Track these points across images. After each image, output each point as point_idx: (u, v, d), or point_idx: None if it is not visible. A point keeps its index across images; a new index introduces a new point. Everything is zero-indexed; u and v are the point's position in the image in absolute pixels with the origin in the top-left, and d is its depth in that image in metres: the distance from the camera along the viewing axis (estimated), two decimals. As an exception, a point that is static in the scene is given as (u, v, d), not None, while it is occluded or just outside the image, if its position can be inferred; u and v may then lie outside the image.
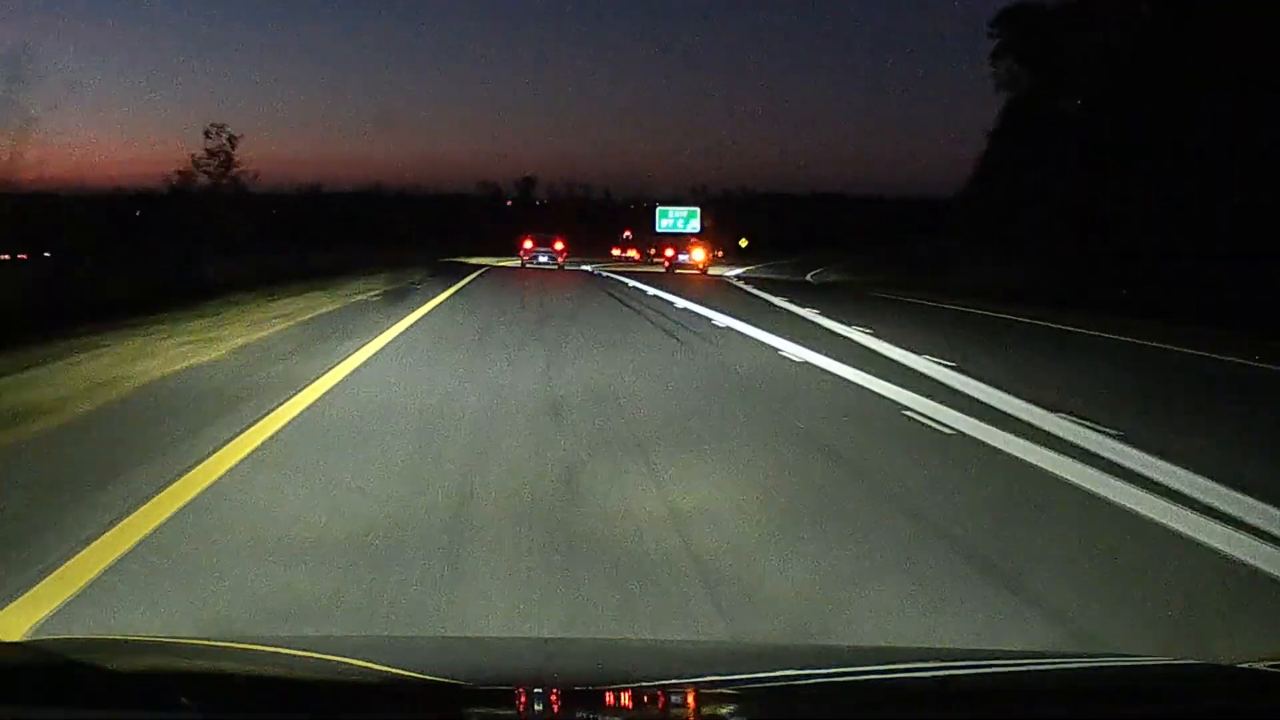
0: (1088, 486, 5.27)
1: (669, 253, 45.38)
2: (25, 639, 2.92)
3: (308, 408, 6.78)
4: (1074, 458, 5.90)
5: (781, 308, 19.31)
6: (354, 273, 25.58)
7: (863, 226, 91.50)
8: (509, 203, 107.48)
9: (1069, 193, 31.68)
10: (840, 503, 4.89)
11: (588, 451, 5.78)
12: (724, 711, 1.52)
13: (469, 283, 25.15)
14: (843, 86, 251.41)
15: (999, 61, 39.73)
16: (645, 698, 1.55)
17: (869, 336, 12.97)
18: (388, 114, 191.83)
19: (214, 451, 5.33)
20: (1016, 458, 5.95)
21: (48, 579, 3.49)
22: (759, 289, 27.39)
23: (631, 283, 28.32)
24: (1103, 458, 5.90)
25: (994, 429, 6.71)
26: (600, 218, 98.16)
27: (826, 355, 10.69)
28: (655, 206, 62.69)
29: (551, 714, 1.42)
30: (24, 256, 27.21)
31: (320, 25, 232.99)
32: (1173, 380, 11.12)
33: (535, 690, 1.51)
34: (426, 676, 1.63)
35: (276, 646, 2.03)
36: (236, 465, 5.13)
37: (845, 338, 13.12)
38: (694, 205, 61.77)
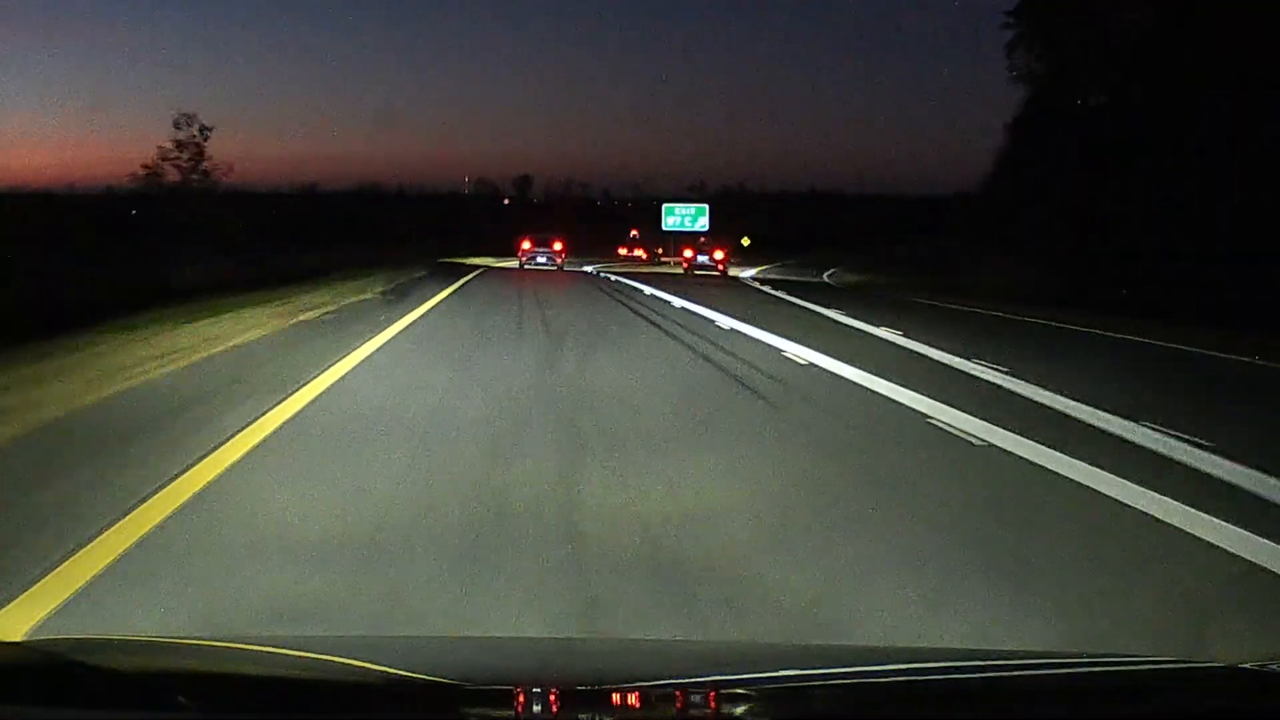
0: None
1: (688, 254, 42.65)
2: (26, 639, 2.92)
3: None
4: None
5: (856, 327, 15.42)
6: (334, 277, 22.90)
7: (862, 226, 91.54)
8: (506, 201, 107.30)
9: (1068, 191, 31.54)
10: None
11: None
12: (725, 711, 1.52)
13: (461, 287, 22.77)
14: (841, 86, 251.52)
15: (1015, 54, 38.37)
16: (645, 698, 1.55)
17: (1007, 378, 9.69)
18: (386, 113, 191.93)
19: None
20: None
21: None
22: (795, 296, 24.30)
23: (648, 289, 24.44)
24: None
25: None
26: (599, 217, 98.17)
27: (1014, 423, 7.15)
28: (661, 204, 59.89)
29: (551, 714, 1.42)
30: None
31: (315, 24, 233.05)
32: (1256, 391, 10.93)
33: (535, 690, 1.51)
34: (426, 676, 1.63)
35: (276, 647, 2.03)
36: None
37: (974, 378, 9.87)
38: (700, 202, 58.51)
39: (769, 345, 12.22)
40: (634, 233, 69.00)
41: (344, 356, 9.59)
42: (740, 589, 3.74)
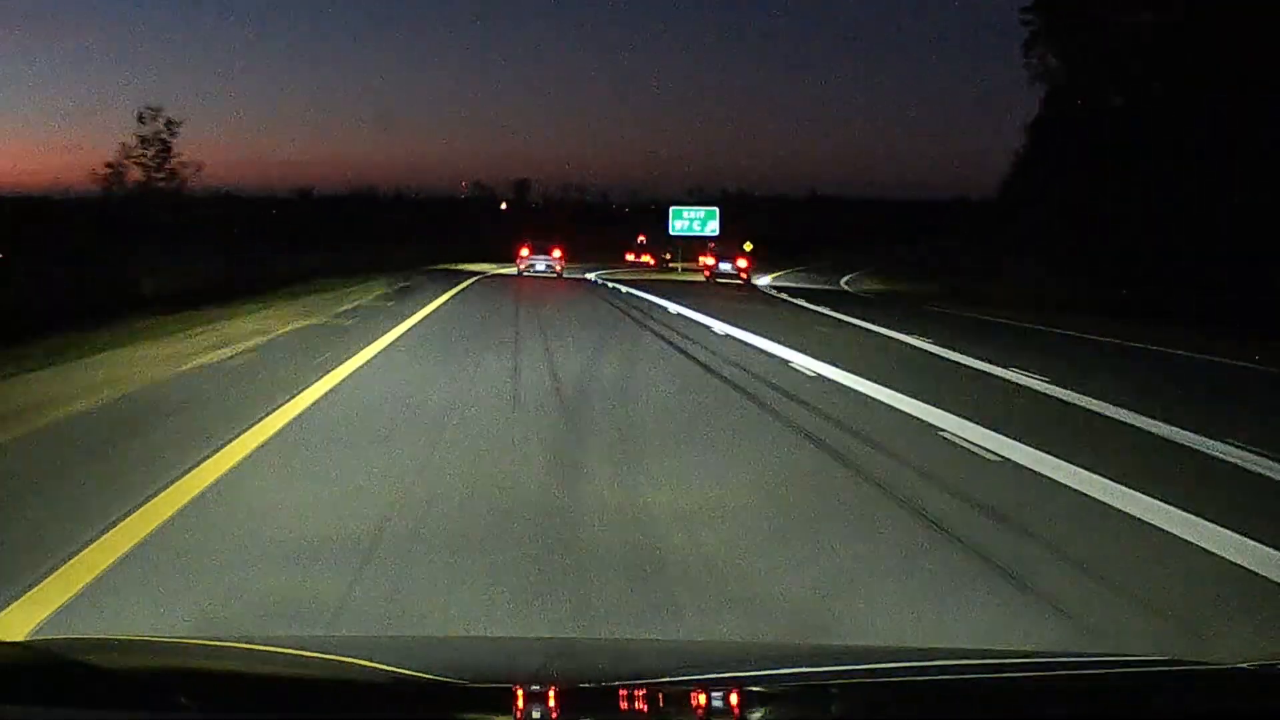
0: None
1: (709, 261, 39.89)
2: (27, 639, 2.92)
3: None
4: None
5: (953, 360, 12.34)
6: (299, 290, 20.44)
7: (861, 228, 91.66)
8: (503, 206, 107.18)
9: (1084, 192, 31.17)
10: None
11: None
12: (725, 711, 1.52)
13: (448, 302, 19.52)
14: (841, 90, 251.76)
15: (1032, 51, 36.74)
16: (645, 697, 1.55)
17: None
18: (384, 115, 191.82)
19: None
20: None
21: None
22: (841, 312, 21.03)
23: (672, 305, 20.29)
24: None
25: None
26: (598, 221, 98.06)
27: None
28: (666, 207, 57.55)
29: (551, 714, 1.42)
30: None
31: (312, 26, 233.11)
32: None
33: (535, 690, 1.51)
34: (426, 676, 1.63)
35: (276, 646, 2.03)
36: None
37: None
38: (709, 205, 53.85)
39: (925, 423, 7.57)
40: (641, 238, 66.82)
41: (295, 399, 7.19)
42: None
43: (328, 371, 8.94)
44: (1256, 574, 4.21)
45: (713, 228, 50.17)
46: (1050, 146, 33.77)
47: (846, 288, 40.29)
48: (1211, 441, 7.06)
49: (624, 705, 1.50)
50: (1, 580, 3.56)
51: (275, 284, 21.64)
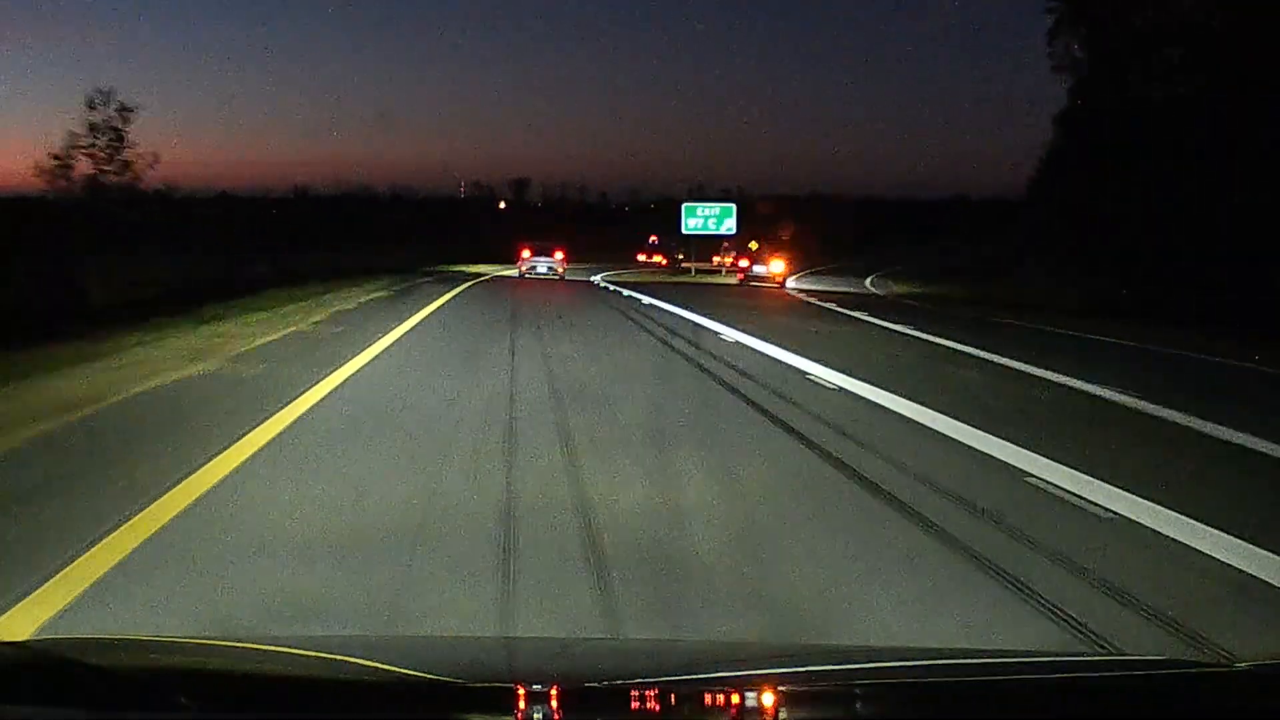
0: None
1: (743, 264, 37.54)
2: (27, 639, 2.92)
3: None
4: None
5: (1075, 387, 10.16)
6: (265, 298, 18.17)
7: (861, 228, 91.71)
8: (502, 205, 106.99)
9: (1068, 191, 31.04)
10: None
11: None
12: (725, 710, 1.52)
13: (439, 310, 17.56)
14: (839, 88, 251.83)
15: (1056, 41, 35.13)
16: (646, 697, 1.55)
17: None
18: (384, 116, 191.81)
19: None
20: None
21: None
22: (906, 325, 17.77)
23: (710, 322, 16.24)
24: None
25: None
26: (599, 221, 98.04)
27: None
28: (671, 205, 54.47)
29: (553, 714, 1.42)
30: None
31: (309, 25, 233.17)
32: None
33: (536, 690, 1.51)
34: (427, 676, 1.63)
35: (276, 646, 2.03)
36: None
37: None
38: (724, 202, 49.00)
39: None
40: (653, 238, 65.28)
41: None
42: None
43: (254, 426, 6.47)
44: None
45: (729, 226, 46.56)
46: (1071, 142, 32.96)
47: (876, 290, 37.87)
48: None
49: (625, 705, 1.50)
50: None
51: (256, 287, 20.25)
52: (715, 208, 47.48)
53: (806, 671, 1.87)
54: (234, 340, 11.42)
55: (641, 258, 63.18)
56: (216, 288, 19.90)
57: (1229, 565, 4.34)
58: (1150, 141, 27.29)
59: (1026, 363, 11.91)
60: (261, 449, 6.00)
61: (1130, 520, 4.98)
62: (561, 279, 33.41)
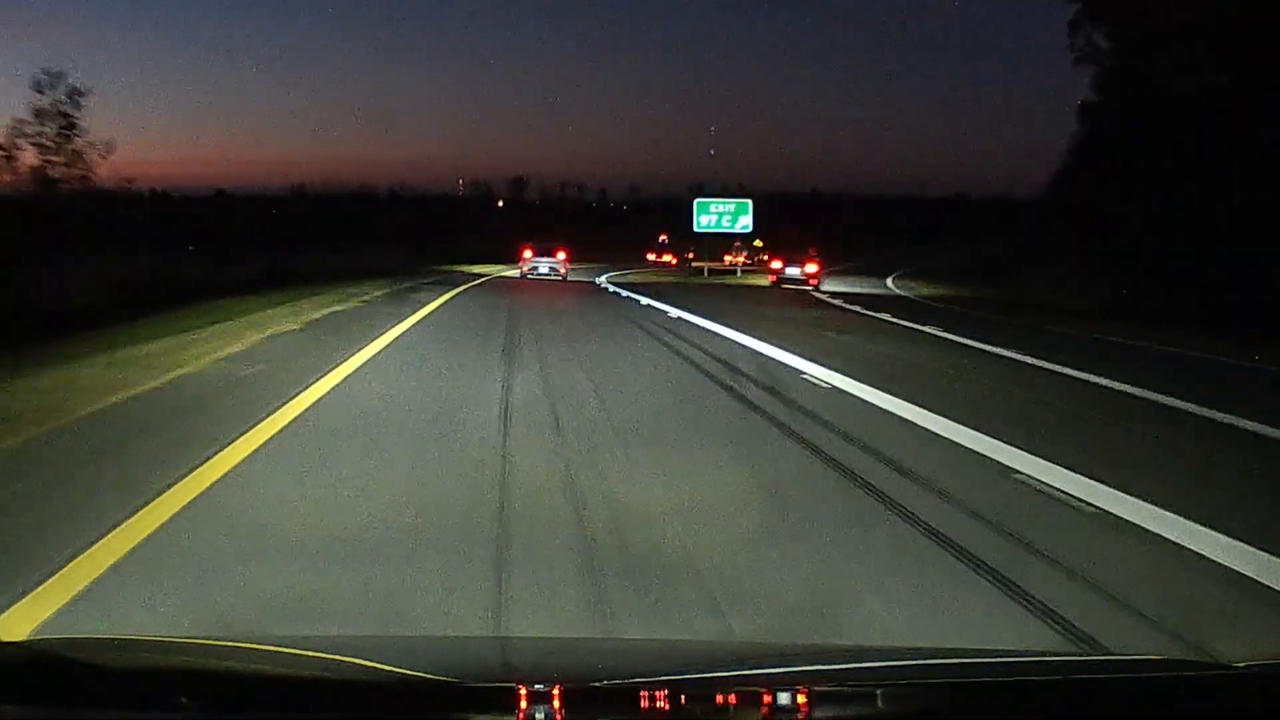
0: None
1: (776, 265, 35.56)
2: (27, 638, 2.92)
3: None
4: None
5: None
6: (270, 295, 18.00)
7: (861, 226, 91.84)
8: (500, 203, 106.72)
9: (1090, 188, 30.24)
10: None
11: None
12: (726, 710, 1.52)
13: (425, 320, 15.30)
14: (838, 86, 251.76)
15: (1078, 31, 33.83)
16: (647, 697, 1.55)
17: None
18: (384, 116, 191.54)
19: None
20: None
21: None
22: (964, 335, 16.08)
23: (755, 344, 12.97)
24: None
25: None
26: (599, 220, 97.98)
27: None
28: (666, 203, 52.48)
29: (555, 714, 1.42)
30: None
31: (307, 23, 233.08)
32: None
33: (536, 689, 1.51)
34: (426, 676, 1.63)
35: (276, 646, 2.03)
36: None
37: None
38: (741, 197, 44.46)
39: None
40: (663, 237, 64.50)
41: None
42: None
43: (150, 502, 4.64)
44: None
45: (745, 224, 42.37)
46: (1093, 137, 32.14)
47: (905, 292, 35.56)
48: None
49: (626, 705, 1.50)
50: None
51: (222, 292, 18.63)
52: (730, 203, 43.16)
53: (807, 671, 1.88)
54: (81, 397, 7.56)
55: (651, 257, 62.21)
56: (180, 292, 18.42)
57: None
58: (1180, 136, 26.16)
59: (1227, 411, 8.78)
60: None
61: None
62: (564, 280, 33.02)
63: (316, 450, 6.06)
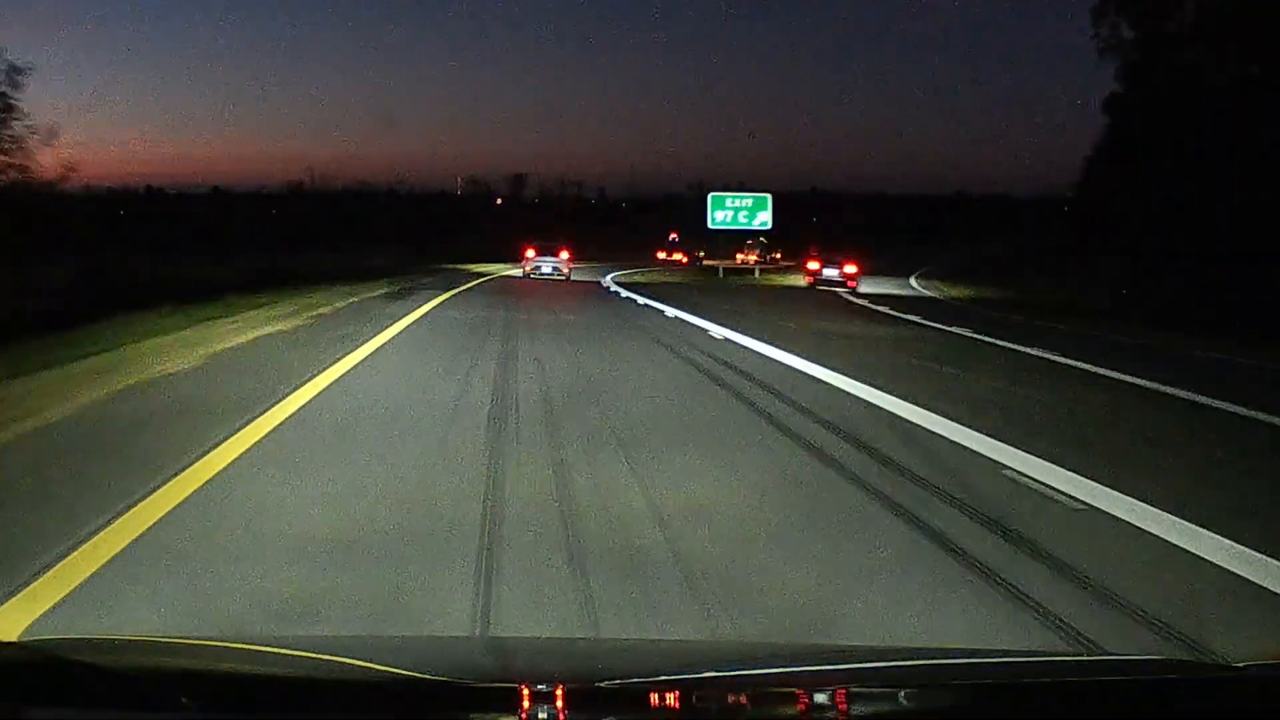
0: None
1: (812, 266, 34.20)
2: (26, 638, 2.92)
3: None
4: None
5: None
6: (241, 300, 16.14)
7: (861, 226, 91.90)
8: (499, 201, 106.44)
9: (1120, 185, 29.30)
10: None
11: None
12: (727, 710, 1.53)
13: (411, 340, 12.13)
14: (837, 84, 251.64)
15: (1102, 21, 32.74)
16: (649, 696, 1.55)
17: None
18: (385, 115, 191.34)
19: None
20: None
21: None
22: (1056, 353, 13.53)
23: (833, 377, 9.97)
24: None
25: None
26: (599, 220, 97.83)
27: None
28: (666, 201, 50.85)
29: (553, 713, 1.42)
30: None
31: (304, 22, 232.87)
32: None
33: (536, 689, 1.51)
34: (428, 676, 1.63)
35: (276, 647, 2.03)
36: None
37: None
38: (758, 192, 41.06)
39: None
40: (673, 236, 64.30)
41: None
42: None
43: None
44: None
45: (763, 220, 39.58)
46: (1121, 131, 31.49)
47: (933, 294, 34.19)
48: None
49: (629, 705, 1.50)
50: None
51: (206, 293, 16.69)
52: (748, 198, 40.20)
53: (808, 671, 1.88)
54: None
55: (661, 255, 61.80)
56: (122, 299, 15.97)
57: None
58: (1213, 129, 25.12)
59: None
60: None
61: None
62: (568, 279, 32.76)
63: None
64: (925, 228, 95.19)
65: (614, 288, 29.57)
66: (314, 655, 1.80)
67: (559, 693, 1.48)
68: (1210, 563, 4.44)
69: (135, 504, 4.62)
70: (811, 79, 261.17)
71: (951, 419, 7.68)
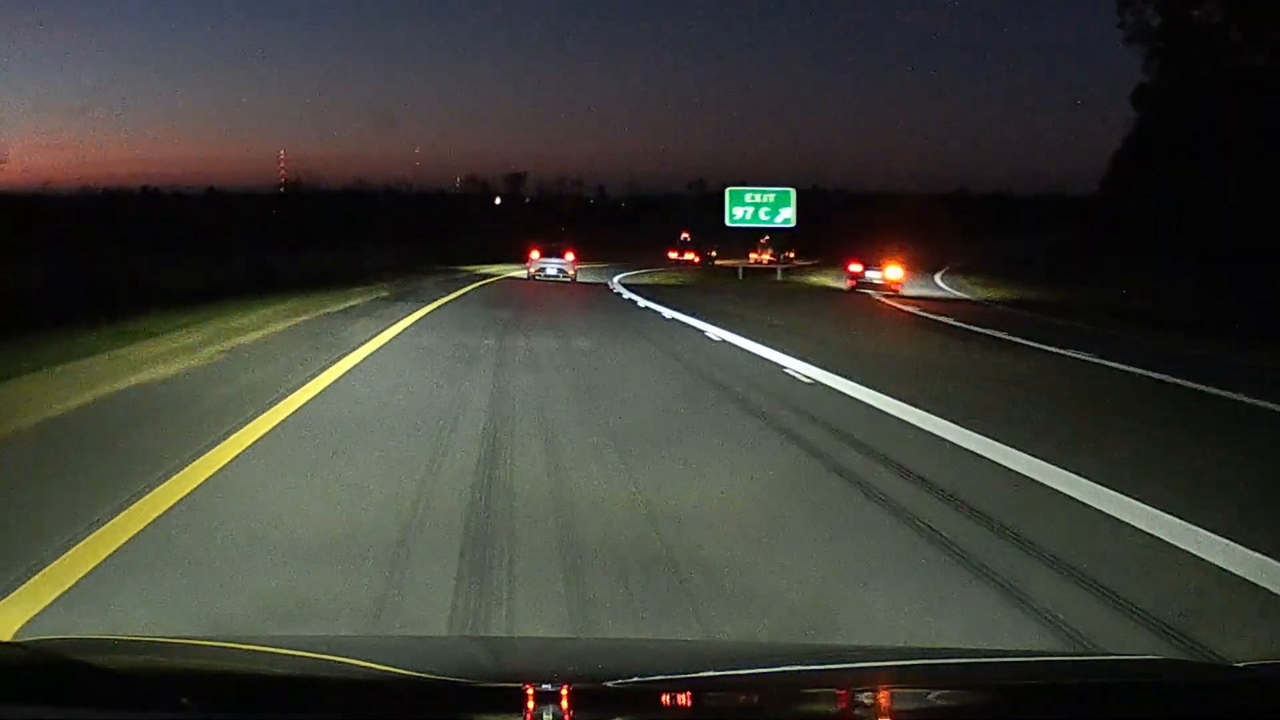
0: None
1: (855, 268, 32.36)
2: (25, 639, 2.92)
3: None
4: None
5: None
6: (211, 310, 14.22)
7: (864, 225, 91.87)
8: (497, 200, 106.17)
9: (1155, 181, 28.36)
10: None
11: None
12: (727, 709, 1.53)
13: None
14: (836, 83, 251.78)
15: (1127, 9, 32.35)
16: (652, 696, 1.55)
17: None
18: (385, 114, 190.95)
19: None
20: None
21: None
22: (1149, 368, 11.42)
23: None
24: None
25: None
26: (599, 220, 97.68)
27: None
28: (664, 201, 48.53)
29: (558, 713, 1.42)
30: None
31: (303, 21, 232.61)
32: None
33: (538, 689, 1.51)
34: (427, 676, 1.63)
35: (276, 647, 2.03)
36: None
37: None
38: (780, 187, 38.18)
39: None
40: (685, 235, 63.88)
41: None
42: None
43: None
44: None
45: (786, 215, 37.05)
46: (1151, 125, 30.58)
47: (955, 290, 32.49)
48: None
49: (632, 705, 1.50)
50: None
51: (178, 303, 14.89)
52: (770, 193, 36.82)
53: (809, 671, 1.88)
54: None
55: (673, 255, 61.27)
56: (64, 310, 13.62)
57: None
58: (1253, 119, 24.18)
59: None
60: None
61: None
62: (574, 281, 32.37)
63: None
64: (931, 225, 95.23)
65: (627, 294, 26.27)
66: (314, 655, 1.80)
67: (564, 692, 1.48)
68: None
69: None
70: (814, 77, 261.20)
71: (1225, 534, 4.57)
